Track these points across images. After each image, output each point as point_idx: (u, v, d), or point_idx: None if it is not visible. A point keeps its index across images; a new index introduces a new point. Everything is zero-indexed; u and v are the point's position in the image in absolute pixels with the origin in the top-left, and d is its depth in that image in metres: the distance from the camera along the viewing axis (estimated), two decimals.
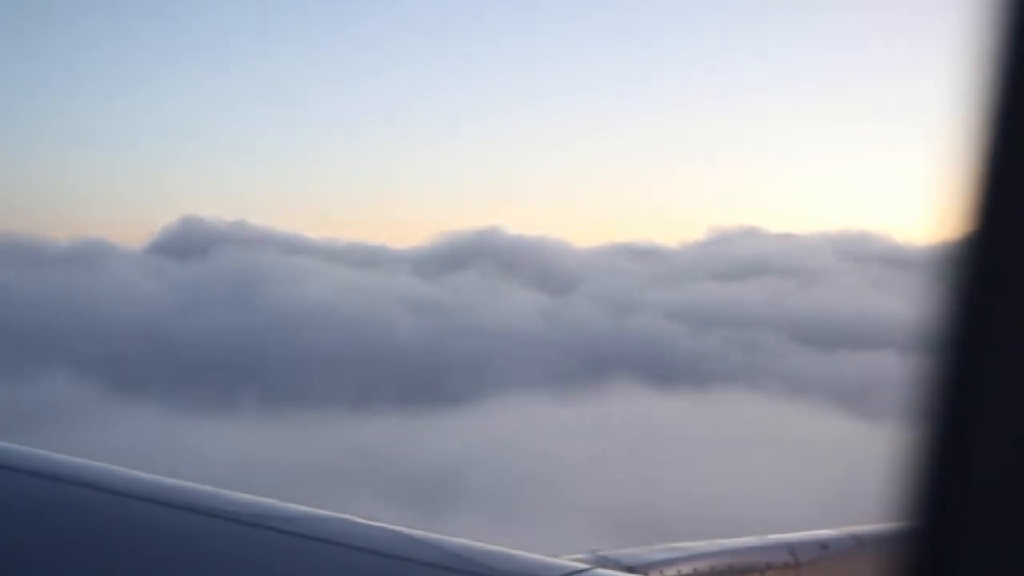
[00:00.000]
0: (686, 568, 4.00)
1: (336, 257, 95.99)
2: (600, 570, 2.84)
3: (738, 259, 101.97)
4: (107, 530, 2.89)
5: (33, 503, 3.00)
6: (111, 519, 2.95)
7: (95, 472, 3.22)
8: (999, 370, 1.05)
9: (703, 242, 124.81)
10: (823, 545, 4.35)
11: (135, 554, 2.79)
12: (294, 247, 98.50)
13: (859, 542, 4.41)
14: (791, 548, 4.30)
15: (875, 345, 65.07)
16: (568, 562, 2.87)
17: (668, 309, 77.24)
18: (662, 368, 59.01)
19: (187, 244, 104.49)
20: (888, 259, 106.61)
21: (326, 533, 2.86)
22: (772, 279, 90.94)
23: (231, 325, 63.51)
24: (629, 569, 3.83)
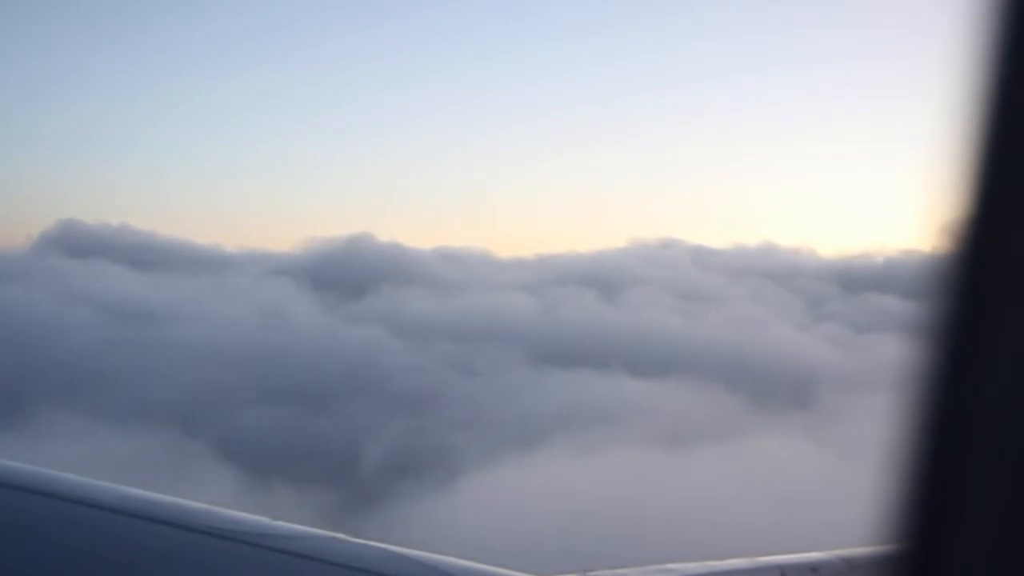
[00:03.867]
0: None
1: (153, 260, 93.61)
2: None
3: (600, 271, 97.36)
4: (97, 546, 2.88)
5: (20, 518, 2.96)
6: (101, 535, 2.94)
7: (87, 488, 3.20)
8: (988, 387, 1.03)
9: (613, 251, 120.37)
10: (813, 568, 4.15)
11: (125, 570, 2.77)
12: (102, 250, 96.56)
13: (849, 564, 4.17)
14: (782, 571, 4.11)
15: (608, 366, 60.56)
16: None
17: (422, 321, 73.01)
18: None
19: (66, 248, 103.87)
20: (782, 275, 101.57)
21: (317, 551, 2.91)
22: (580, 292, 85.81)
23: None
24: None
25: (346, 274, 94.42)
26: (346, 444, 47.07)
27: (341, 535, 3.06)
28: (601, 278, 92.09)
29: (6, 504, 3.08)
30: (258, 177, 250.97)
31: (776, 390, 54.23)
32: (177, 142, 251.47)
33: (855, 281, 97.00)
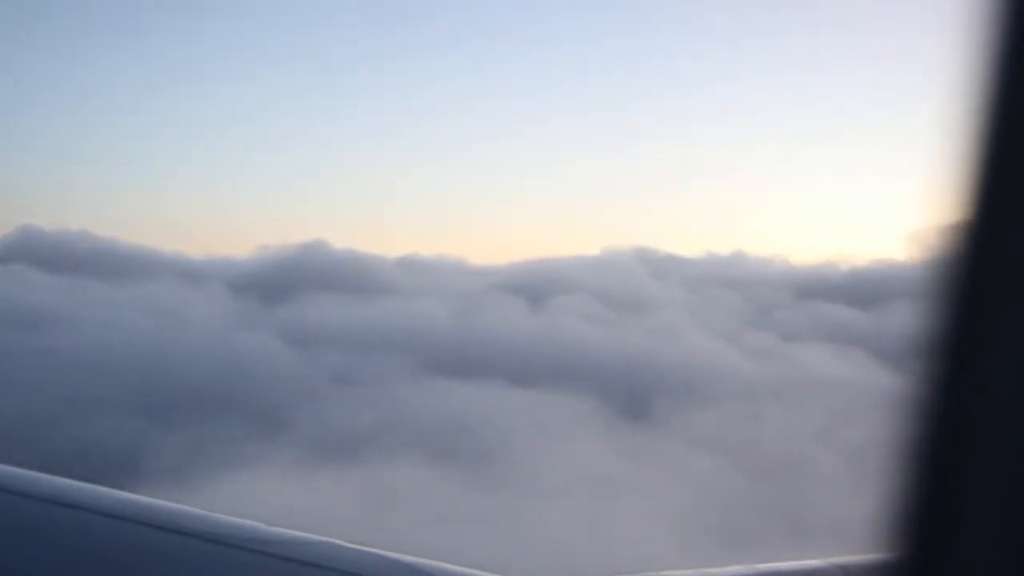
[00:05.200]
0: None
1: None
2: None
3: (541, 279, 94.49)
4: (91, 550, 2.86)
5: (13, 522, 2.93)
6: (95, 539, 2.90)
7: (82, 492, 3.15)
8: (987, 389, 1.03)
9: (571, 259, 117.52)
10: None
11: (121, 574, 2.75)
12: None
13: (847, 573, 3.97)
14: None
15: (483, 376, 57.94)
16: None
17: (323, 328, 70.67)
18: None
19: (20, 254, 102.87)
20: (743, 284, 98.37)
21: (313, 556, 2.88)
22: (510, 300, 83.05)
23: None
24: None
25: (287, 281, 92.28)
26: (156, 451, 44.54)
27: (337, 540, 2.99)
28: (546, 286, 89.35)
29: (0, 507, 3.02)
30: (237, 184, 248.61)
31: (643, 399, 51.15)
32: (155, 149, 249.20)
33: (812, 290, 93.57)
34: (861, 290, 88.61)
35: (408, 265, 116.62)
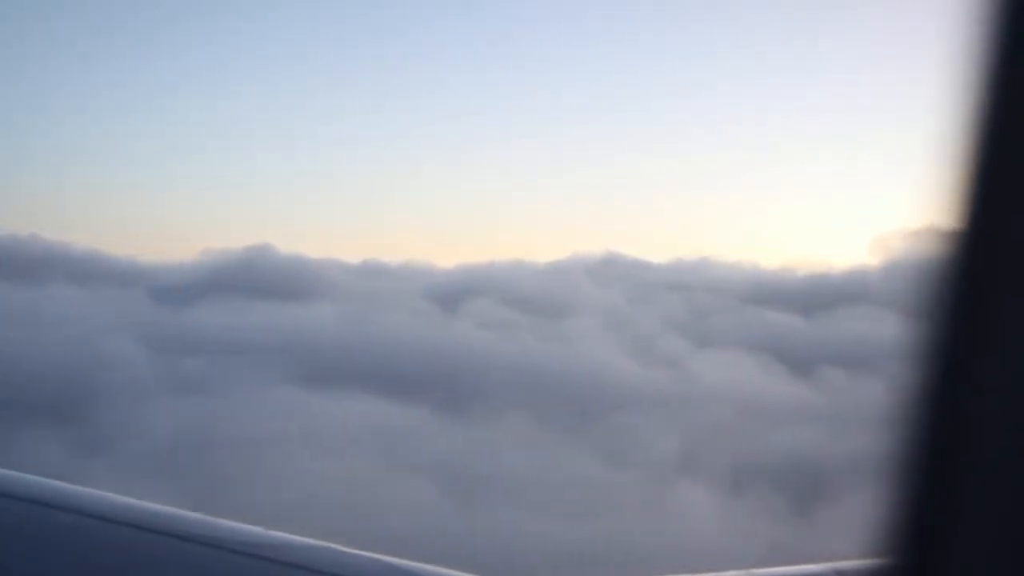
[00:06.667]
0: None
1: None
2: None
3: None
4: (91, 555, 2.85)
5: (13, 526, 2.95)
6: (95, 544, 2.90)
7: (83, 497, 3.16)
8: (985, 391, 1.02)
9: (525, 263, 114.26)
10: None
11: None
12: None
13: None
14: None
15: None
16: None
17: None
18: None
19: None
20: (697, 289, 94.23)
21: (311, 561, 2.89)
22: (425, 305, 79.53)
23: None
24: None
25: (218, 285, 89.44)
26: None
27: (336, 545, 2.98)
28: (476, 290, 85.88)
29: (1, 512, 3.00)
30: (211, 189, 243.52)
31: (481, 406, 47.34)
32: (124, 153, 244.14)
33: (761, 296, 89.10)
34: (814, 296, 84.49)
35: (367, 270, 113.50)
